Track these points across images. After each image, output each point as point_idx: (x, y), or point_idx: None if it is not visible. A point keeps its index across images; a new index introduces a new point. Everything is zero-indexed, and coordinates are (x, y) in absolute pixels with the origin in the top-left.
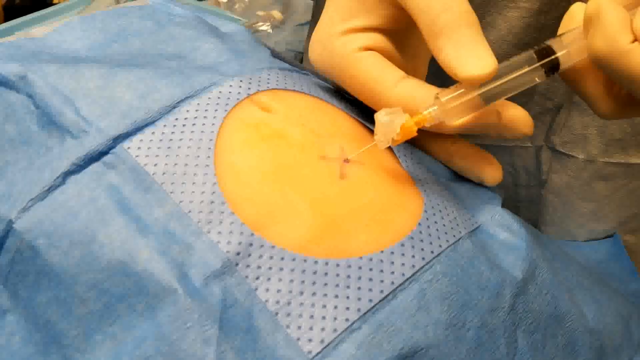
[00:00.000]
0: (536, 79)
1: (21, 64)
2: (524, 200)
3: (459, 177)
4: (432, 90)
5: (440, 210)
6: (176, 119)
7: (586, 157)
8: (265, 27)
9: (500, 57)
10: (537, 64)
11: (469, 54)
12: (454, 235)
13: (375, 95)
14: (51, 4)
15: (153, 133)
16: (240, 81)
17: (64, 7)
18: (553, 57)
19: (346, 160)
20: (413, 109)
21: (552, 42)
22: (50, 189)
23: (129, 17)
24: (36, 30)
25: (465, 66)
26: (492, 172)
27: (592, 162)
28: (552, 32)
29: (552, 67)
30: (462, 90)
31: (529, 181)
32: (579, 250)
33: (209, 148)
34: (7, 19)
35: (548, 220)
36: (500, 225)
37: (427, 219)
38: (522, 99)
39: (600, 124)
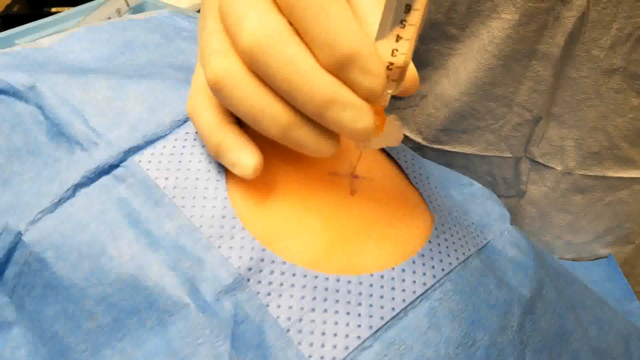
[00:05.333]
0: None
1: (29, 74)
2: None
3: (469, 193)
4: None
5: (449, 227)
6: (187, 132)
7: (564, 169)
8: None
9: (481, 67)
10: None
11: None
12: (464, 253)
13: None
14: (49, 13)
15: (164, 147)
16: None
17: (63, 17)
18: None
19: (355, 176)
20: None
21: None
22: (60, 202)
23: (136, 29)
24: (42, 40)
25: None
26: None
27: (569, 174)
28: (531, 43)
29: None
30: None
31: (507, 191)
32: (572, 271)
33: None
34: (5, 26)
35: (525, 231)
36: (509, 242)
37: (437, 236)
38: (501, 109)
39: (578, 136)
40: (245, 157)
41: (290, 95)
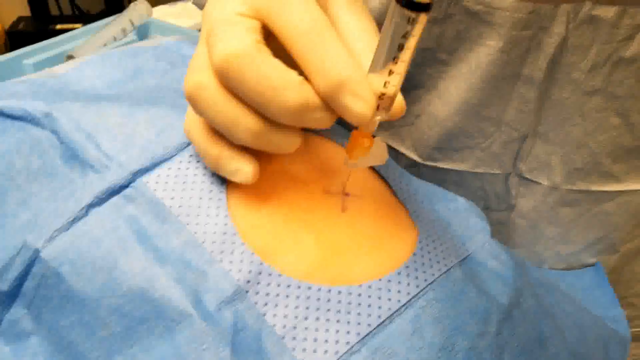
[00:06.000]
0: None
1: (46, 102)
2: (494, 223)
3: (453, 208)
4: None
5: (433, 240)
6: (190, 155)
7: (551, 184)
8: None
9: (470, 89)
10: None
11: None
12: (446, 265)
13: None
14: (54, 30)
15: (169, 168)
16: None
17: (70, 36)
18: None
19: (346, 194)
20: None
21: None
22: (75, 220)
23: (144, 57)
24: (56, 68)
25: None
26: None
27: (555, 188)
28: (515, 67)
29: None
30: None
31: (499, 205)
32: (563, 278)
33: (222, 183)
34: (11, 43)
35: (517, 243)
36: (489, 254)
37: (422, 248)
38: (490, 128)
39: (563, 153)
40: (245, 165)
41: (263, 107)
